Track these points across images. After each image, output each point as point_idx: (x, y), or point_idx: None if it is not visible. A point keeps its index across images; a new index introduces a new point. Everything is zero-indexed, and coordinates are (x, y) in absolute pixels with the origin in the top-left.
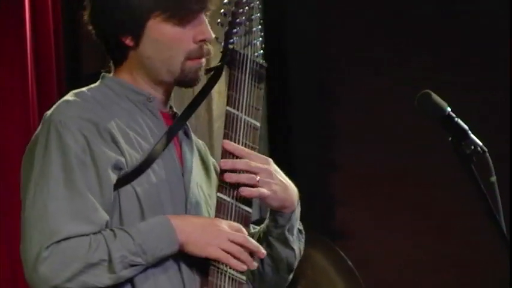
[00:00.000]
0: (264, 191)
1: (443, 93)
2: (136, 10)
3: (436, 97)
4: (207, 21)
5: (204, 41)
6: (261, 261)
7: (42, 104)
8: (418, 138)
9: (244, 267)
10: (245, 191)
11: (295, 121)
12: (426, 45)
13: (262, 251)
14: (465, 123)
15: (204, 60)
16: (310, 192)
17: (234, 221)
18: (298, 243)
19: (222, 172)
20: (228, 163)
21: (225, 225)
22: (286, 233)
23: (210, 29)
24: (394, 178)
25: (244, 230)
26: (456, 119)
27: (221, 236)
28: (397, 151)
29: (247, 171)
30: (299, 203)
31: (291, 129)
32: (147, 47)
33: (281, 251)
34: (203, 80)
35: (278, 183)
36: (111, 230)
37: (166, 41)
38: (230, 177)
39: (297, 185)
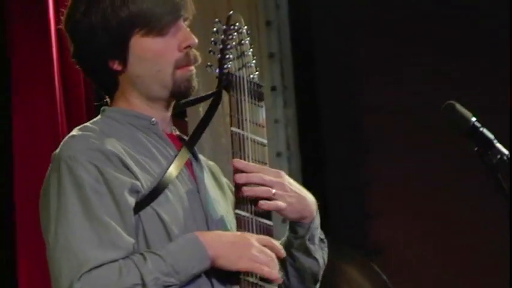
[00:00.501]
0: (280, 203)
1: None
2: (117, 32)
3: (460, 108)
4: (187, 28)
5: (188, 47)
6: (286, 272)
7: (71, 127)
8: (454, 150)
9: (277, 276)
10: (264, 205)
11: (328, 136)
12: (453, 52)
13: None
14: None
15: (193, 67)
16: (344, 207)
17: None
18: (320, 252)
19: (237, 188)
20: (243, 177)
21: (254, 238)
22: (307, 242)
23: (192, 35)
24: (429, 192)
25: (273, 241)
26: (481, 129)
27: (252, 249)
28: (432, 164)
29: (262, 185)
30: (318, 212)
31: (323, 145)
32: (135, 67)
33: (304, 261)
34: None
35: (293, 195)
36: (140, 254)
37: (151, 55)
38: (246, 191)
39: (330, 200)
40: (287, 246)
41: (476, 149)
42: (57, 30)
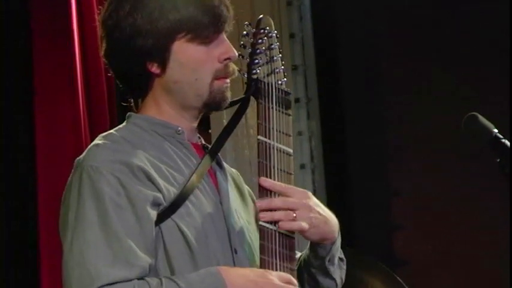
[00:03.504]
0: (304, 225)
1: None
2: (161, 34)
3: (482, 119)
4: (227, 40)
5: (228, 59)
6: None
7: (94, 134)
8: (479, 162)
9: None
10: (285, 225)
11: (352, 146)
12: (480, 63)
13: None
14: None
15: (229, 80)
16: (368, 219)
17: (279, 247)
18: (339, 271)
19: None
20: (264, 204)
21: (275, 276)
22: (327, 263)
23: (233, 48)
24: (454, 204)
25: (294, 281)
26: (503, 140)
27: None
28: (457, 176)
29: (285, 209)
30: (339, 234)
31: (347, 157)
32: (174, 72)
33: (322, 281)
34: (232, 109)
35: (317, 217)
36: (158, 278)
37: (193, 62)
38: (265, 217)
39: (354, 211)
40: (306, 264)
41: (498, 160)
42: (80, 33)
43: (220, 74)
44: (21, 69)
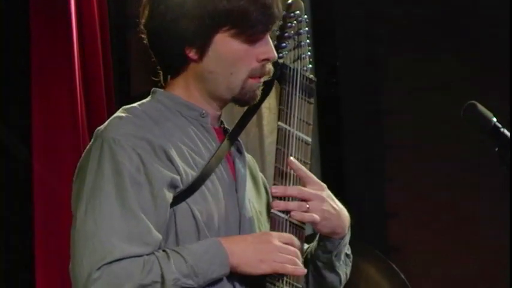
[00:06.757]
0: (316, 216)
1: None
2: (206, 22)
3: (481, 108)
4: (270, 40)
5: (267, 60)
6: (307, 281)
7: (92, 126)
8: (475, 149)
9: (302, 271)
10: (297, 215)
11: (347, 133)
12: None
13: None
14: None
15: (263, 79)
16: (362, 205)
17: None
18: (344, 267)
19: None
20: (279, 190)
21: (276, 237)
22: (333, 258)
23: (274, 49)
24: (448, 190)
25: (295, 239)
26: (502, 129)
27: (273, 251)
28: (450, 162)
29: (299, 198)
30: (349, 230)
31: (342, 142)
32: (211, 61)
33: (326, 275)
34: None
35: (330, 210)
36: (164, 250)
37: (232, 57)
38: (278, 205)
39: (349, 198)
40: (313, 256)
41: (496, 149)
42: (78, 25)
43: (256, 73)
44: (19, 53)
